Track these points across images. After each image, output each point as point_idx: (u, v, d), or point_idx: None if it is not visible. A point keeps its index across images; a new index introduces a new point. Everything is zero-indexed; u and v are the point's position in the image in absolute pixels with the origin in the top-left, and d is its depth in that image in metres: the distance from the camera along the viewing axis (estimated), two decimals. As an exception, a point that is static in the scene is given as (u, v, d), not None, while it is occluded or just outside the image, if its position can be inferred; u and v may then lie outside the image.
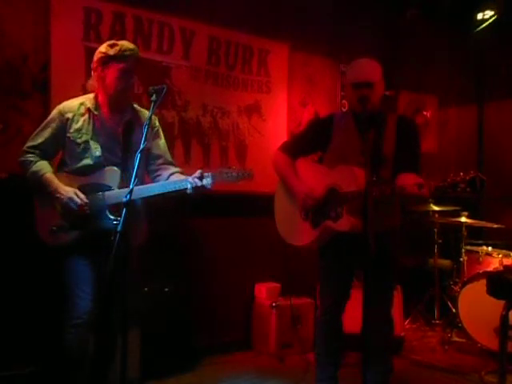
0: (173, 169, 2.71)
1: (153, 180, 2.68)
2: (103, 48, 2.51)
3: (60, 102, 2.77)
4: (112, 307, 2.47)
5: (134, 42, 3.46)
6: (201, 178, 2.40)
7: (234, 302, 3.94)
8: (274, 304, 3.82)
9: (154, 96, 2.27)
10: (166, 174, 2.68)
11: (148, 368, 3.20)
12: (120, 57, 2.49)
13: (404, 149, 2.64)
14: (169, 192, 2.45)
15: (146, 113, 2.69)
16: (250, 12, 4.05)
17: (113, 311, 2.49)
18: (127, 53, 2.51)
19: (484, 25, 4.94)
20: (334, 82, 4.59)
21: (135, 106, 2.70)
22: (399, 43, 4.91)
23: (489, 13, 4.89)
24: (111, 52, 2.49)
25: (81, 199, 2.43)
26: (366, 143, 2.37)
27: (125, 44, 2.54)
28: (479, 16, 4.93)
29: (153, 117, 2.68)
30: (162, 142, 2.74)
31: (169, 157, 2.75)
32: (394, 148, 2.65)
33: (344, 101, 4.59)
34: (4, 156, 3.05)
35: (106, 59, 2.49)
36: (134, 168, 2.43)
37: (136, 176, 2.13)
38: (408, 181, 2.41)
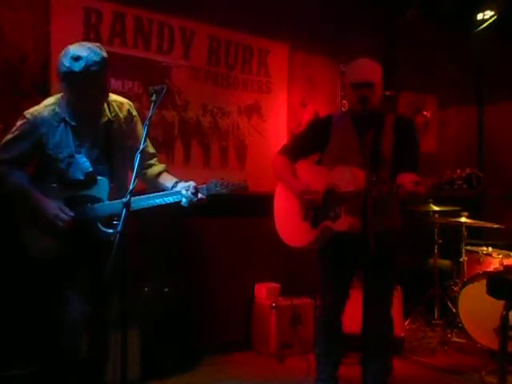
0: (158, 166, 2.61)
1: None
2: (66, 61, 2.21)
3: None
4: (107, 307, 2.48)
5: (134, 41, 3.50)
6: (196, 193, 2.34)
7: (234, 302, 3.93)
8: (273, 304, 3.82)
9: (153, 96, 2.20)
10: (151, 172, 2.58)
11: (148, 368, 3.20)
12: (87, 73, 2.21)
13: (402, 149, 2.65)
14: (162, 204, 2.38)
15: (119, 102, 2.52)
16: (250, 12, 4.05)
17: (107, 311, 2.49)
18: (94, 68, 2.22)
19: (484, 25, 4.93)
20: (334, 82, 4.59)
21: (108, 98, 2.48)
22: (399, 43, 4.91)
23: (489, 13, 4.88)
24: (76, 68, 2.20)
25: (66, 214, 2.31)
26: (365, 144, 2.38)
27: (90, 56, 2.22)
28: (479, 16, 4.92)
29: (128, 105, 2.56)
30: (141, 133, 2.43)
31: (150, 148, 2.59)
32: (392, 148, 2.65)
33: (344, 101, 4.59)
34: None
35: (72, 76, 2.21)
36: (120, 170, 2.46)
37: (136, 176, 2.08)
38: (405, 179, 2.41)
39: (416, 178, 2.39)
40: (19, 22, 3.11)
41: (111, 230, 2.29)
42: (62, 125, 2.35)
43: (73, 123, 2.36)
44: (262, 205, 3.46)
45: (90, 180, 2.39)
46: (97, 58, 2.23)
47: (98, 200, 2.39)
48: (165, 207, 2.41)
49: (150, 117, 2.17)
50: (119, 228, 1.99)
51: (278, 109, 4.23)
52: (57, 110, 2.37)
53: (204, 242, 3.84)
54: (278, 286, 4.02)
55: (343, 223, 2.57)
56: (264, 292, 3.96)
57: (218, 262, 3.86)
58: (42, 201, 2.32)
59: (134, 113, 2.57)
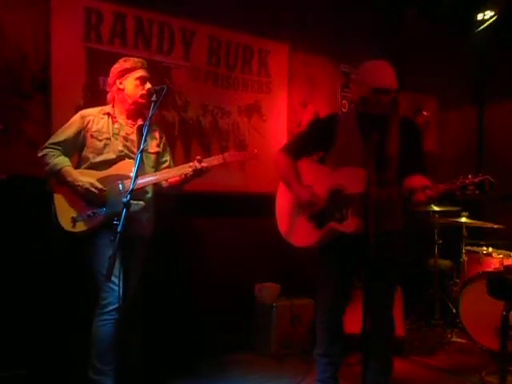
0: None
1: None
2: (117, 64, 2.80)
3: (60, 103, 2.97)
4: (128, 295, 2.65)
5: (134, 42, 3.52)
6: (200, 161, 2.71)
7: (234, 302, 3.93)
8: (274, 304, 3.82)
9: (154, 96, 2.45)
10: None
11: (148, 368, 3.20)
12: (135, 67, 2.78)
13: (409, 150, 2.64)
14: (172, 175, 2.78)
15: (154, 125, 2.93)
16: (250, 12, 4.05)
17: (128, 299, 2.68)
18: (139, 63, 2.81)
19: (484, 25, 4.93)
20: (334, 82, 4.59)
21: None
22: (399, 43, 4.91)
23: (489, 13, 4.89)
24: (127, 65, 2.78)
25: (99, 185, 2.65)
26: (370, 144, 2.37)
27: (135, 58, 2.86)
28: (479, 16, 4.93)
29: (159, 129, 2.99)
30: (169, 151, 3.03)
31: (172, 163, 3.00)
32: (398, 149, 2.64)
33: (344, 101, 4.60)
34: (5, 157, 3.05)
35: (123, 72, 2.77)
36: (148, 165, 2.81)
37: (137, 176, 2.28)
38: (416, 183, 2.41)
39: (427, 181, 2.38)
40: (19, 21, 3.11)
41: (141, 202, 2.69)
42: (106, 117, 2.79)
43: (114, 115, 2.80)
44: (261, 205, 3.46)
45: (120, 160, 2.74)
46: (140, 60, 2.84)
47: (126, 177, 2.69)
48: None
49: (150, 117, 2.40)
50: (119, 228, 2.14)
51: (278, 109, 4.23)
52: (104, 108, 2.83)
53: (204, 242, 3.84)
54: (278, 286, 4.02)
55: (351, 225, 2.55)
56: (264, 292, 3.96)
57: (217, 261, 3.86)
58: (78, 177, 2.67)
59: (162, 134, 3.01)
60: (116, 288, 2.53)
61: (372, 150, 2.36)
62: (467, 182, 2.19)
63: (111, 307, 2.58)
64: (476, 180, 2.17)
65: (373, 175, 2.30)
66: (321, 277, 2.84)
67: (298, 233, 2.80)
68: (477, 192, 2.16)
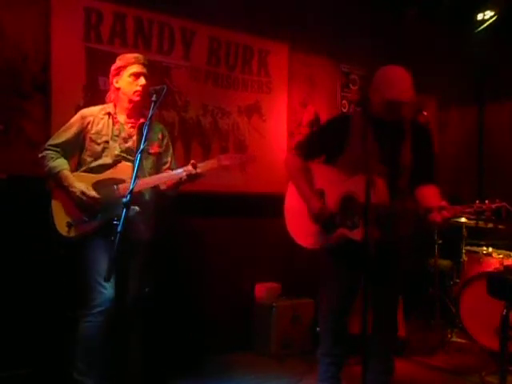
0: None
1: None
2: (114, 63, 2.76)
3: (60, 103, 2.95)
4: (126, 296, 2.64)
5: (134, 42, 3.51)
6: (194, 166, 2.64)
7: (234, 302, 3.93)
8: (274, 304, 3.82)
9: (154, 96, 2.40)
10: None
11: (148, 368, 3.19)
12: (128, 63, 2.72)
13: (421, 156, 2.63)
14: (166, 179, 2.73)
15: (157, 124, 2.91)
16: (250, 12, 4.05)
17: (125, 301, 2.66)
18: (133, 59, 2.74)
19: (484, 25, 4.94)
20: (334, 82, 4.59)
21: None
22: (399, 43, 4.91)
23: (489, 13, 4.89)
24: (121, 63, 2.73)
25: (91, 193, 2.61)
26: (385, 151, 2.37)
27: (130, 54, 2.80)
28: (479, 16, 4.93)
29: (163, 128, 2.95)
30: (171, 152, 2.95)
31: (173, 165, 2.92)
32: (411, 157, 2.62)
33: (344, 101, 4.60)
34: (5, 156, 3.06)
35: (118, 70, 2.73)
36: (147, 167, 2.76)
37: (137, 176, 2.25)
38: (431, 201, 2.41)
39: (443, 201, 2.38)
40: (19, 22, 3.10)
41: (136, 207, 2.59)
42: (107, 117, 2.74)
43: (115, 115, 2.75)
44: (261, 205, 3.46)
45: (116, 163, 2.70)
46: (135, 54, 2.79)
47: (122, 181, 2.65)
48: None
49: (150, 117, 2.36)
50: (119, 228, 2.11)
51: (278, 109, 4.23)
52: (105, 107, 2.79)
53: (204, 242, 3.83)
54: (278, 285, 4.02)
55: (362, 233, 2.53)
56: (264, 292, 3.96)
57: (218, 262, 3.86)
58: (72, 181, 2.64)
59: (167, 134, 2.94)
60: (105, 291, 2.52)
61: (388, 156, 2.36)
62: (484, 207, 2.20)
63: (98, 309, 2.56)
64: (493, 206, 2.18)
65: (385, 184, 2.29)
66: (328, 277, 2.81)
67: (307, 234, 2.76)
68: (493, 218, 2.18)
